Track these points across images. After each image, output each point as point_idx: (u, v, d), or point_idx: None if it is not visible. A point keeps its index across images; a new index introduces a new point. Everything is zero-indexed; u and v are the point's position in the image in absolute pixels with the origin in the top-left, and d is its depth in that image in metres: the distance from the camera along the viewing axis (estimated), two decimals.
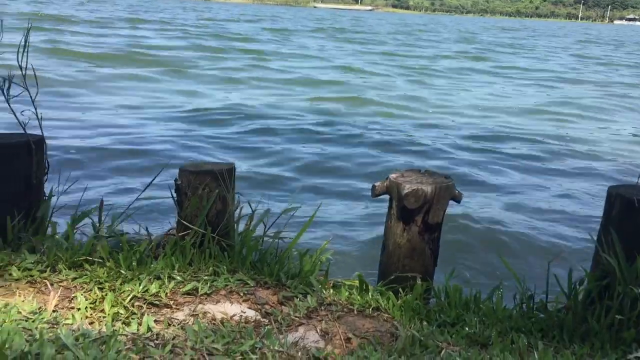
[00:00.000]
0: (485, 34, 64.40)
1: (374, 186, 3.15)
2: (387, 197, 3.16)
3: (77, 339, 1.70)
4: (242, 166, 7.52)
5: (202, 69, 18.23)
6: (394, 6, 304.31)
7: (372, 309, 2.70)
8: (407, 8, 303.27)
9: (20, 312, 1.97)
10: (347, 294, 2.81)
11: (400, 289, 2.98)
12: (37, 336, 1.65)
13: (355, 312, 2.65)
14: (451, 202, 3.11)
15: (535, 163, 9.03)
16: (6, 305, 2.01)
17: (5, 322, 1.77)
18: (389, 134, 10.49)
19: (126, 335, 1.88)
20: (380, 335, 2.48)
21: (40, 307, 2.10)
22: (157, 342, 1.86)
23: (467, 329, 2.62)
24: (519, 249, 5.52)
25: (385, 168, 7.87)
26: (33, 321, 1.89)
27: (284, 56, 24.40)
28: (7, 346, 1.44)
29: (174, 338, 1.91)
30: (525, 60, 30.79)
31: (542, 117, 13.72)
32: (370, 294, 2.88)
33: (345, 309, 2.66)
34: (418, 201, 2.97)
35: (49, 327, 1.85)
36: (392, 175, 3.13)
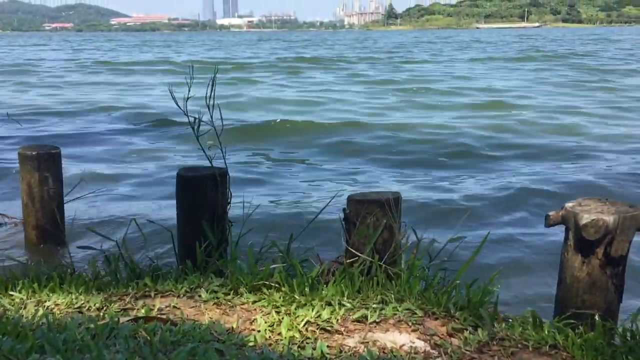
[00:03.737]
0: None
1: (547, 216, 3.00)
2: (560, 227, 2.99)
3: None
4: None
5: None
6: (565, 20, 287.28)
7: (549, 347, 2.56)
8: (580, 22, 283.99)
9: (212, 334, 2.17)
10: (520, 329, 2.68)
11: (579, 326, 2.78)
12: (228, 357, 1.82)
13: (530, 348, 2.53)
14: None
15: None
16: (200, 325, 2.23)
17: (200, 343, 1.97)
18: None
19: None
20: None
21: (227, 329, 2.30)
22: None
23: None
24: None
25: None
26: (224, 342, 2.08)
27: None
28: None
29: None
30: None
31: None
32: (545, 330, 2.72)
33: (519, 345, 2.54)
34: (598, 232, 2.78)
35: (237, 349, 2.02)
36: (568, 204, 2.96)
